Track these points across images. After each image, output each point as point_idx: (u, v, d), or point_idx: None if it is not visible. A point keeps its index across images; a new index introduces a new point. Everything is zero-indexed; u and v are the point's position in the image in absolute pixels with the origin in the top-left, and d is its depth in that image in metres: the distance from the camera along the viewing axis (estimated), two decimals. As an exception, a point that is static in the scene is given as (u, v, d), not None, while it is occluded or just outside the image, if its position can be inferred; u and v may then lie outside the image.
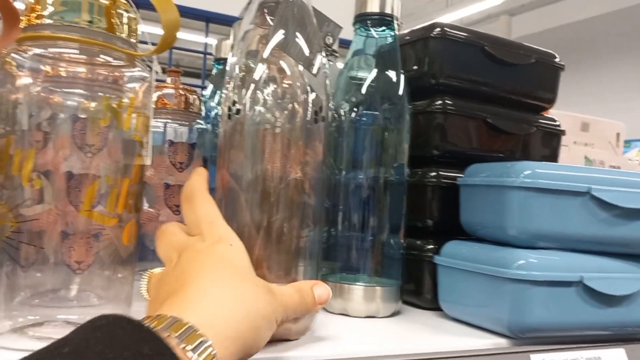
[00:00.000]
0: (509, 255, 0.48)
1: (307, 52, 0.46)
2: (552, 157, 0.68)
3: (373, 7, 0.58)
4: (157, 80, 0.79)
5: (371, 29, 0.59)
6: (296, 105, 0.45)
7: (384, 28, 0.59)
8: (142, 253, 0.68)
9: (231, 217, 0.45)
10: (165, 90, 0.69)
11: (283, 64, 0.46)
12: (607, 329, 0.50)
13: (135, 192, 0.39)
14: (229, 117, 0.44)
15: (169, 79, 0.71)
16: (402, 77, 0.58)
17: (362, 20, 0.59)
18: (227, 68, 0.46)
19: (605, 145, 1.68)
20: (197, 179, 0.42)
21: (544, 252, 0.49)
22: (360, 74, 0.59)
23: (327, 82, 0.48)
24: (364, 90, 0.58)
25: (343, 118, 0.58)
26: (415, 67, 0.63)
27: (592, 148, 1.58)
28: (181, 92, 0.70)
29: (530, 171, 0.49)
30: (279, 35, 0.46)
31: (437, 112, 0.61)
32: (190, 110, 0.70)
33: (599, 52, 4.88)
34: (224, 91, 0.45)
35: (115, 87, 0.38)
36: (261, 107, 0.44)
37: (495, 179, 0.51)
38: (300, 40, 0.46)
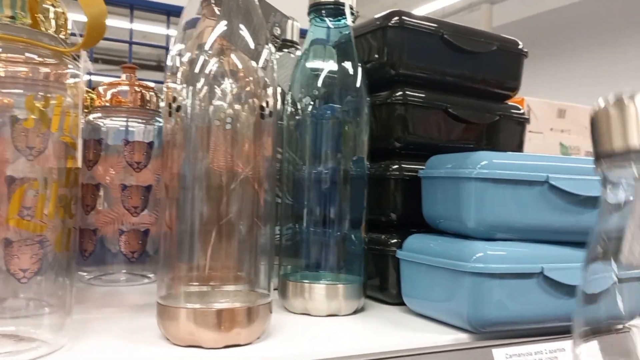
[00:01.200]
0: (467, 248, 0.47)
1: (252, 44, 0.44)
2: (518, 145, 0.67)
3: (327, -4, 0.56)
4: (112, 77, 0.76)
5: (326, 18, 0.57)
6: (242, 100, 0.43)
7: (339, 18, 0.57)
8: (101, 256, 0.66)
9: (178, 218, 0.44)
10: (120, 87, 0.67)
11: (228, 56, 0.44)
12: (570, 320, 0.49)
13: (68, 197, 0.37)
14: (170, 114, 0.42)
15: (124, 76, 0.68)
16: (360, 68, 0.56)
17: (317, 10, 0.57)
18: (169, 61, 0.44)
19: (582, 131, 1.67)
20: None
21: (503, 243, 0.48)
22: (317, 66, 0.57)
23: (275, 75, 0.46)
24: (320, 82, 0.56)
25: (301, 111, 0.56)
26: (374, 58, 0.61)
27: (569, 135, 1.58)
28: (137, 89, 0.67)
29: (487, 161, 0.48)
30: (222, 27, 0.44)
31: (398, 103, 0.59)
32: (147, 107, 0.68)
33: (579, 39, 4.89)
34: (164, 85, 0.44)
35: (41, 86, 0.36)
36: (204, 102, 0.42)
37: (453, 171, 0.50)
38: (245, 32, 0.44)
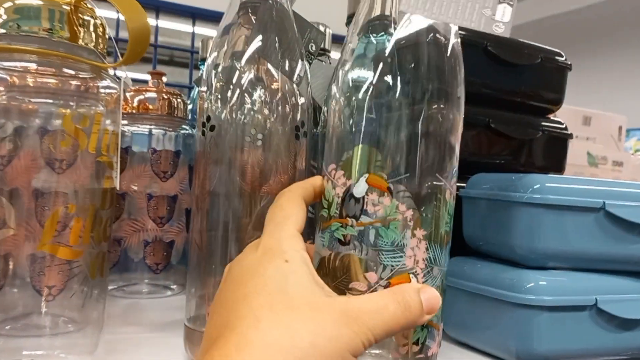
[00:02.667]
0: (517, 277, 0.44)
1: (286, 60, 0.42)
2: (559, 162, 0.64)
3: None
4: (138, 81, 0.75)
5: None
6: (277, 119, 0.41)
7: (381, 32, 0.54)
8: (124, 266, 0.64)
9: (208, 235, 0.42)
10: (148, 94, 0.65)
11: (263, 73, 0.42)
12: (623, 354, 0.46)
13: (103, 220, 0.35)
14: (203, 133, 0.40)
15: (151, 82, 0.66)
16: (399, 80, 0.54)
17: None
18: (204, 71, 0.42)
19: (607, 139, 1.63)
20: (302, 183, 0.33)
21: (555, 273, 0.45)
22: (358, 77, 0.55)
23: (310, 91, 0.44)
24: (360, 95, 0.53)
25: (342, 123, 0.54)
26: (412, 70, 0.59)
27: (594, 143, 1.54)
28: (165, 95, 0.65)
29: (539, 185, 0.45)
30: (257, 42, 0.42)
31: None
32: (175, 115, 0.66)
33: (596, 41, 4.81)
34: (199, 100, 0.41)
35: (79, 103, 0.34)
36: (239, 122, 0.40)
37: (501, 193, 0.47)
38: (279, 46, 0.42)
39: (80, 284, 0.40)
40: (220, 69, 0.42)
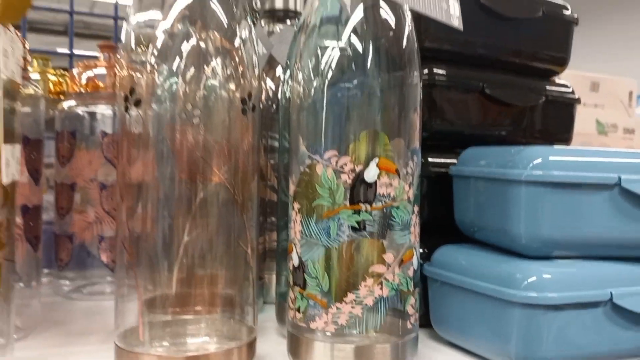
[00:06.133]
0: (516, 270, 0.37)
1: (224, 19, 0.34)
2: (565, 131, 0.56)
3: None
4: (88, 57, 0.67)
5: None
6: (218, 93, 0.34)
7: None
8: (81, 264, 0.58)
9: (135, 234, 0.35)
10: (97, 70, 0.58)
11: (197, 35, 0.35)
12: (643, 356, 0.39)
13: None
14: (126, 109, 0.33)
15: (102, 55, 0.59)
16: (372, 43, 0.46)
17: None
18: (123, 36, 0.34)
19: (617, 105, 1.54)
20: None
21: (561, 263, 0.38)
22: (329, 42, 0.47)
23: (255, 58, 0.37)
24: (324, 61, 0.46)
25: (313, 92, 0.46)
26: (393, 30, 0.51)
27: (603, 109, 1.45)
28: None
29: (541, 159, 0.37)
30: None
31: (423, 83, 0.49)
32: (130, 92, 0.58)
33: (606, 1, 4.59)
34: (119, 69, 0.34)
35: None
36: (168, 96, 0.33)
37: (498, 170, 0.40)
38: (216, 4, 0.34)
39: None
40: (142, 30, 0.34)
